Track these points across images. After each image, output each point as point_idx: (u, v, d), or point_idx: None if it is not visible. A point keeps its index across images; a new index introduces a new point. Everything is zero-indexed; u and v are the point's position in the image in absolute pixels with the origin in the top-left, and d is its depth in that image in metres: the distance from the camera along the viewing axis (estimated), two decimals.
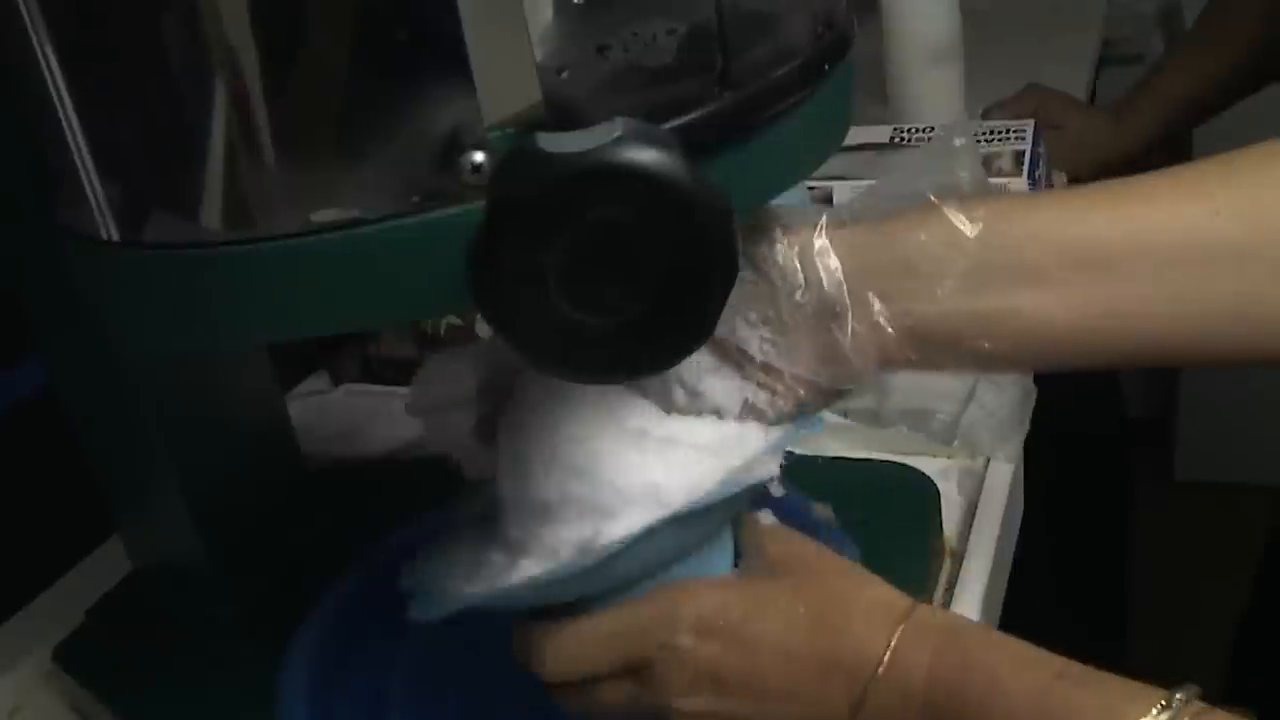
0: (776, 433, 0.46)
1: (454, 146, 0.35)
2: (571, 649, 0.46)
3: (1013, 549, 0.72)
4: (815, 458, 0.73)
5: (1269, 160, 0.43)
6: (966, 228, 0.43)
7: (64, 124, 0.39)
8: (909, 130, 1.11)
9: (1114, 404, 1.61)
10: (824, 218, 0.45)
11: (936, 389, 0.46)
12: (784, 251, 0.44)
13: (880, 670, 0.42)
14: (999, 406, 0.46)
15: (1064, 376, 0.52)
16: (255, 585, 0.65)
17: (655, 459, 0.43)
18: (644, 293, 0.33)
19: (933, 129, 1.11)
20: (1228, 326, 0.43)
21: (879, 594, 0.45)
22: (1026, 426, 0.47)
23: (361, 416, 0.92)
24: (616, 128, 0.32)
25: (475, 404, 0.48)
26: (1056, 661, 0.41)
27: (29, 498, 0.75)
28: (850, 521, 0.65)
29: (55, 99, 0.39)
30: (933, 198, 0.44)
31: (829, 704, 0.43)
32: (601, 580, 0.45)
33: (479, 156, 0.35)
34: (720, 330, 0.40)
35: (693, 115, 0.36)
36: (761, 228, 0.45)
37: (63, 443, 0.64)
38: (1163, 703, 0.38)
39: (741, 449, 0.45)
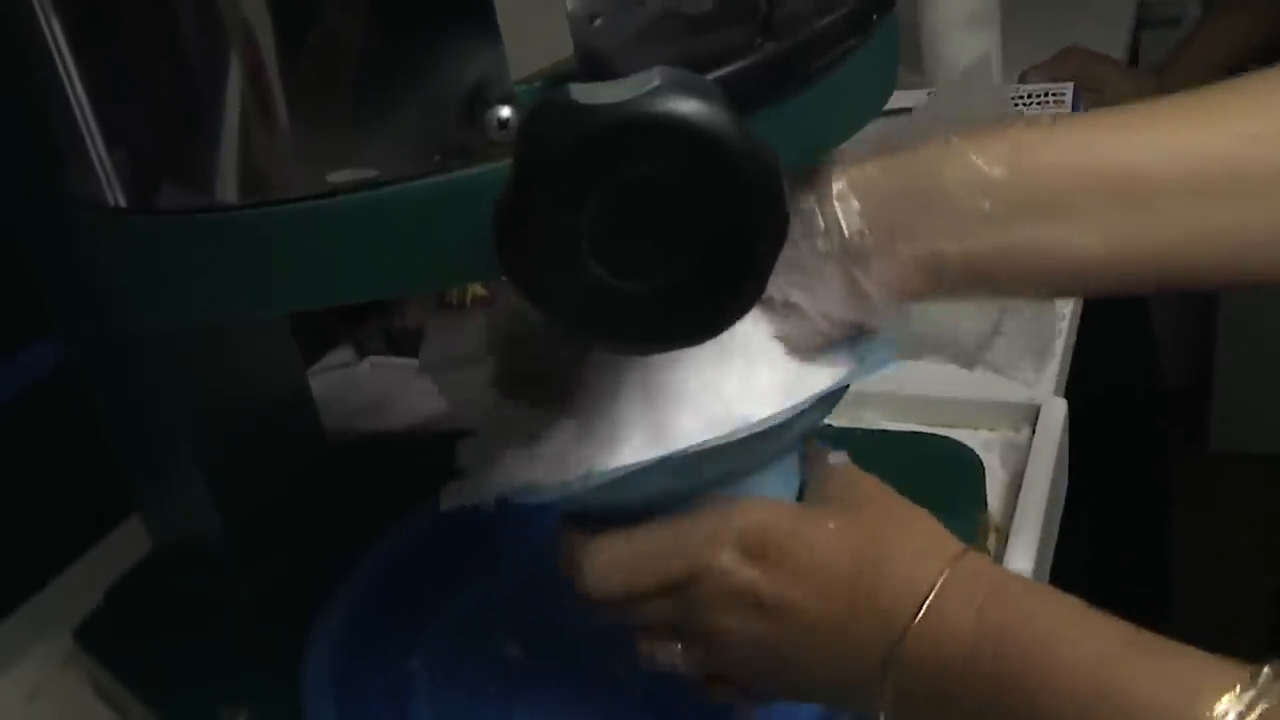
0: (842, 370, 0.45)
1: (478, 101, 0.32)
2: (612, 563, 0.44)
3: (1058, 522, 0.70)
4: (856, 429, 0.71)
5: None
6: (989, 163, 0.42)
7: (69, 87, 0.37)
8: None
9: (1150, 373, 1.58)
10: (842, 157, 0.43)
11: (960, 315, 0.46)
12: (801, 196, 0.43)
13: (918, 618, 0.40)
14: (1026, 332, 0.45)
15: (1098, 346, 0.50)
16: (275, 563, 0.63)
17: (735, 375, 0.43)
18: (685, 255, 0.30)
19: None
20: (1260, 250, 0.42)
21: (932, 538, 0.43)
22: (1055, 354, 0.45)
23: (386, 390, 0.90)
24: (654, 77, 0.29)
25: (488, 357, 0.45)
26: (1126, 628, 0.38)
27: (48, 478, 0.74)
28: None
29: (59, 61, 0.37)
30: (955, 138, 0.42)
31: (863, 644, 0.41)
32: (655, 487, 0.43)
33: (505, 112, 0.32)
34: None
35: (734, 66, 0.33)
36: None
37: (81, 422, 0.62)
38: (1248, 678, 0.34)
39: (808, 383, 0.44)
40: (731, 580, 0.42)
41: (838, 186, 0.43)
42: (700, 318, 0.32)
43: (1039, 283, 0.43)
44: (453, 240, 0.34)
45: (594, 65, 0.31)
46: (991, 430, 0.73)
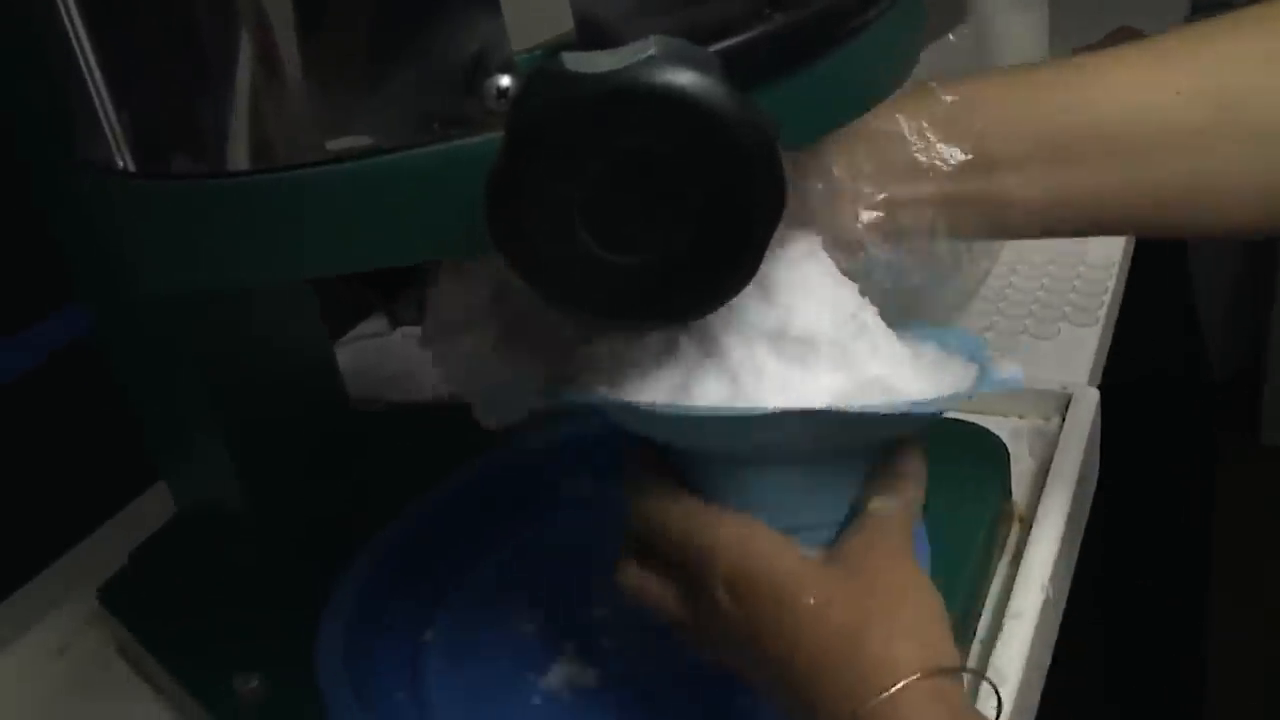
0: (935, 389, 0.43)
1: (479, 70, 0.32)
2: (648, 519, 0.45)
3: (1086, 515, 0.69)
4: None
5: (1237, 32, 0.44)
6: (940, 118, 0.44)
7: (80, 54, 0.37)
8: None
9: (1196, 362, 1.54)
10: None
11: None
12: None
13: None
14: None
15: (1139, 333, 0.52)
16: (295, 531, 0.64)
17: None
18: (679, 229, 0.30)
19: None
20: (1189, 203, 0.45)
21: (901, 649, 0.40)
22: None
23: (416, 361, 0.90)
24: (650, 46, 0.29)
25: (491, 316, 0.45)
26: None
27: (80, 441, 0.75)
28: None
29: (69, 26, 0.37)
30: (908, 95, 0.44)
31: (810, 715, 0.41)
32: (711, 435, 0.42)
33: (505, 80, 0.32)
34: None
35: (742, 37, 0.33)
36: None
37: (114, 387, 0.63)
38: None
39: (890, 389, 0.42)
40: (716, 607, 0.43)
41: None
42: (695, 293, 0.31)
43: (984, 228, 0.46)
44: (453, 209, 0.33)
45: (593, 34, 0.31)
46: (1021, 418, 0.72)
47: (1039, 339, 0.79)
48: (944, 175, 0.44)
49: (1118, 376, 0.82)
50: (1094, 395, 0.70)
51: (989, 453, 0.64)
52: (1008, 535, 0.64)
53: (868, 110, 0.38)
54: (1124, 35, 1.12)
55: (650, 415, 0.41)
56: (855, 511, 0.45)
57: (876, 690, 0.39)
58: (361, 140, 0.33)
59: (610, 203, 0.29)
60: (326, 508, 0.65)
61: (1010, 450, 0.66)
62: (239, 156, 0.34)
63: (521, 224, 0.30)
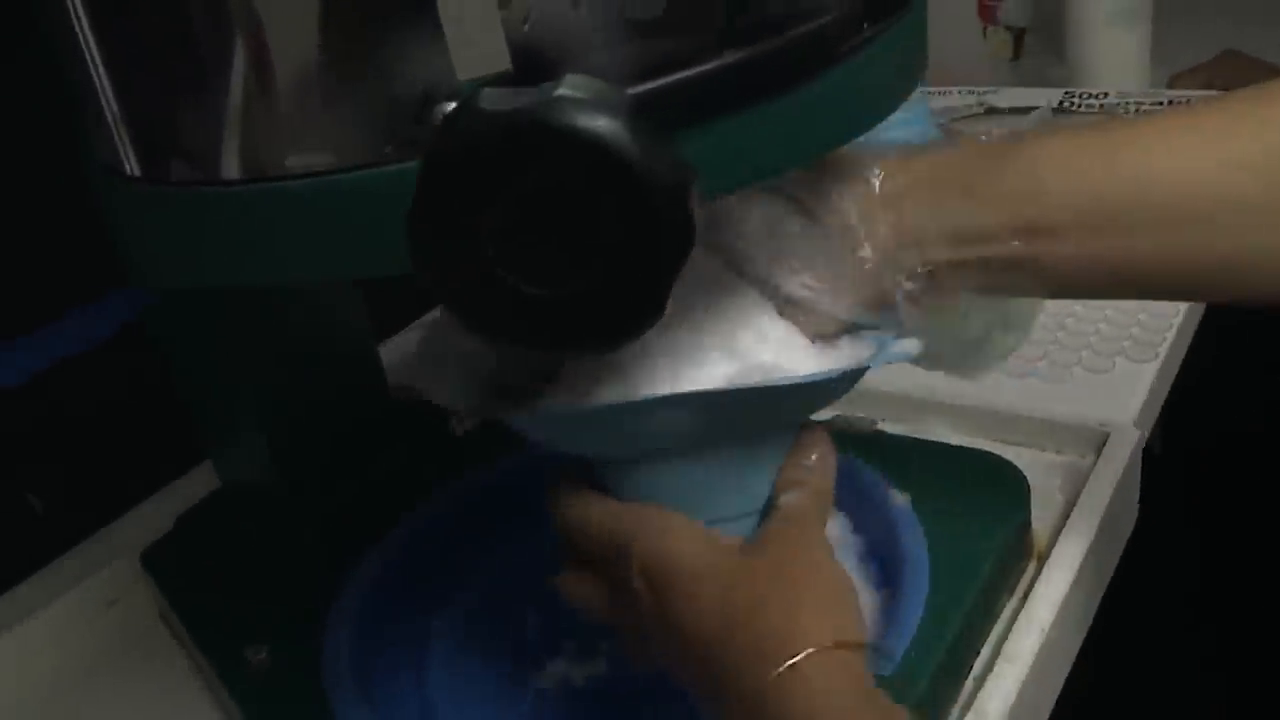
0: (843, 361, 0.45)
1: (428, 98, 0.33)
2: (568, 522, 0.47)
3: (1114, 559, 0.67)
4: (904, 438, 0.70)
5: (1277, 100, 0.43)
6: (984, 190, 0.44)
7: (90, 61, 0.39)
8: (1080, 95, 1.04)
9: None
10: (878, 167, 0.45)
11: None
12: (849, 205, 0.45)
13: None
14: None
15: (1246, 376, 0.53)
16: (322, 516, 0.66)
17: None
18: (585, 266, 0.30)
19: (1107, 95, 1.03)
20: (1231, 273, 0.44)
21: (793, 624, 0.41)
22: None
23: None
24: (560, 85, 0.29)
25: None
26: None
27: (145, 412, 0.78)
28: (933, 510, 0.61)
29: (80, 36, 0.39)
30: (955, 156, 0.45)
31: (716, 698, 0.42)
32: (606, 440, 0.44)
33: (451, 108, 0.33)
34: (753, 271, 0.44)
35: (683, 74, 0.33)
36: (826, 173, 0.45)
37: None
38: None
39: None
40: (635, 597, 0.44)
41: (879, 191, 0.45)
42: (604, 328, 0.32)
43: (1020, 289, 0.46)
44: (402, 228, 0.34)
45: (530, 67, 0.32)
46: (1058, 453, 0.70)
47: (1092, 372, 0.77)
48: (985, 241, 0.44)
49: (1208, 422, 0.78)
50: (1134, 435, 0.68)
51: (1007, 484, 0.63)
52: (1024, 571, 0.62)
53: (832, 148, 0.38)
54: (1231, 60, 1.08)
55: (547, 421, 0.43)
56: (769, 505, 0.46)
57: (780, 661, 0.39)
58: (318, 160, 0.34)
59: (521, 235, 0.30)
60: (353, 496, 0.67)
61: (1041, 485, 0.65)
62: (226, 167, 0.36)
63: (435, 250, 0.31)
